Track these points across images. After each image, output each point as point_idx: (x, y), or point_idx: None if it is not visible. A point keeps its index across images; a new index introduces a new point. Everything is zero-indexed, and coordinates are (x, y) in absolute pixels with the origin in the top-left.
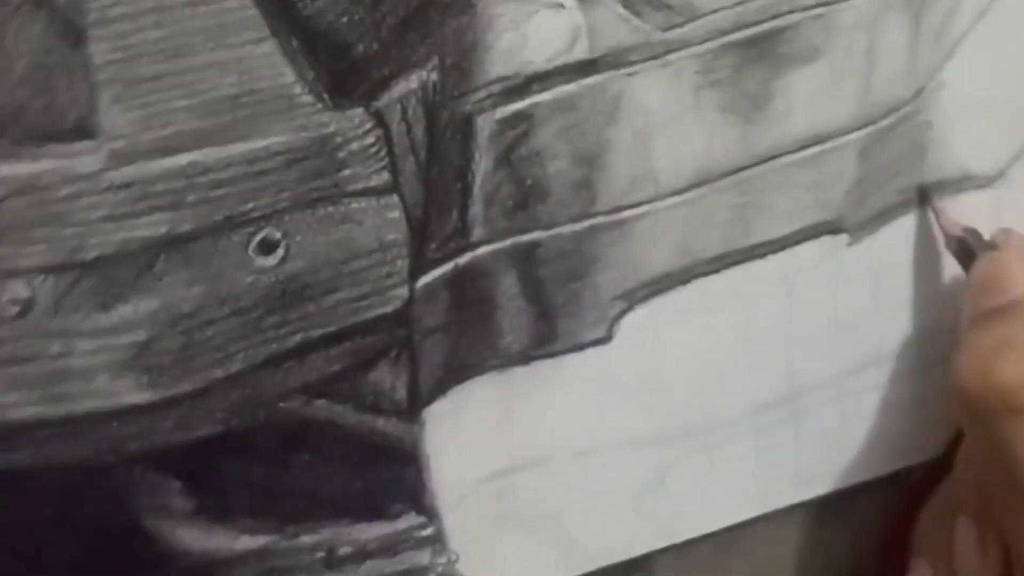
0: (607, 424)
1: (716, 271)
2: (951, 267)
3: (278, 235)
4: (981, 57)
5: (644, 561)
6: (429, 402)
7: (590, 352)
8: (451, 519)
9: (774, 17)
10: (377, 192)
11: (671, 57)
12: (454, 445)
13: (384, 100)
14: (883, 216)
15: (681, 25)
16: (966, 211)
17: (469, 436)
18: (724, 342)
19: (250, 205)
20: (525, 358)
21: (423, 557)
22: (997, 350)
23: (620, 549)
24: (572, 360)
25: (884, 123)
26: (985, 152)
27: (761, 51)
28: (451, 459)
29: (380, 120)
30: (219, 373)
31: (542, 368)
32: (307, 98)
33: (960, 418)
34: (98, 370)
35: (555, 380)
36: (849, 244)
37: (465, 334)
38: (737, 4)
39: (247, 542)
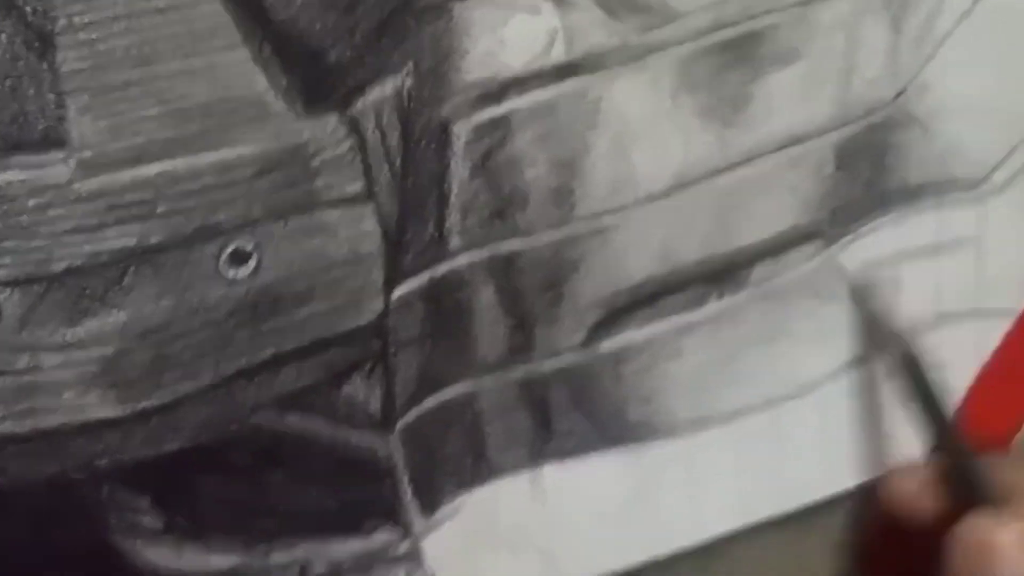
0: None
1: (696, 277)
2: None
3: (250, 246)
4: (965, 59)
5: None
6: (404, 415)
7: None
8: (430, 536)
9: (751, 18)
10: (351, 201)
11: (649, 60)
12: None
13: (358, 107)
14: (862, 220)
15: (659, 27)
16: None
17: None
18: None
19: (221, 216)
20: (501, 368)
21: (398, 574)
22: None
23: (602, 565)
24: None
25: (864, 124)
26: (969, 156)
27: (740, 53)
28: (429, 473)
29: (354, 128)
30: (189, 387)
31: None
32: (280, 106)
33: None
34: (66, 385)
35: None
36: (828, 248)
37: (440, 346)
38: (714, 5)
39: (219, 561)
